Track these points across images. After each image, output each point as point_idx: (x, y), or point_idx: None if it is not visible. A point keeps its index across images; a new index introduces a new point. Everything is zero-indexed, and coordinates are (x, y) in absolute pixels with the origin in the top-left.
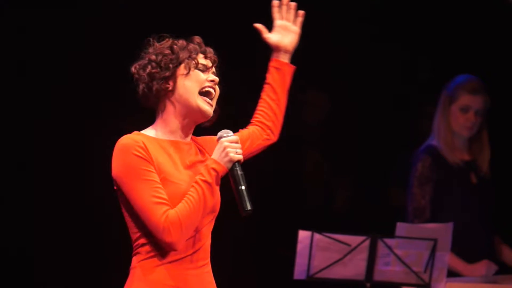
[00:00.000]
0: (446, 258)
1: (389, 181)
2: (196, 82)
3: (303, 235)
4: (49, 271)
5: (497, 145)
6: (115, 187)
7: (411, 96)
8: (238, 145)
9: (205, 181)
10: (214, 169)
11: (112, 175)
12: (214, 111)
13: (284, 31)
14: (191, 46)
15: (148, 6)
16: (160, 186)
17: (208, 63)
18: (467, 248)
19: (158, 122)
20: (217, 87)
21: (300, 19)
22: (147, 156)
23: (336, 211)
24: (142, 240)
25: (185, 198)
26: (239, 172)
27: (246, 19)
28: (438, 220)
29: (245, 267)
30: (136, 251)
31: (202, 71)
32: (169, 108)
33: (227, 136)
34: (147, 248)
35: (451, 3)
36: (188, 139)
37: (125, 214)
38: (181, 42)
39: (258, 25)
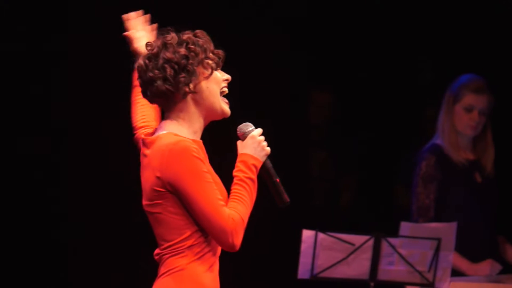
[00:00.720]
0: (450, 258)
1: (393, 181)
2: (216, 84)
3: (307, 234)
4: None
5: (502, 145)
6: (156, 189)
7: (415, 95)
8: (263, 136)
9: (249, 178)
10: (254, 165)
11: (166, 177)
12: None
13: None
14: (201, 42)
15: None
16: (216, 188)
17: (217, 59)
18: (471, 247)
19: (181, 122)
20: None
21: (154, 33)
22: (203, 157)
23: (341, 211)
24: (190, 242)
25: (237, 198)
26: (270, 165)
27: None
28: (442, 219)
29: (248, 267)
30: (179, 252)
31: (217, 66)
32: (191, 109)
33: (253, 129)
34: (195, 249)
35: (452, 4)
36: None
37: (170, 218)
38: (192, 38)
39: (127, 34)
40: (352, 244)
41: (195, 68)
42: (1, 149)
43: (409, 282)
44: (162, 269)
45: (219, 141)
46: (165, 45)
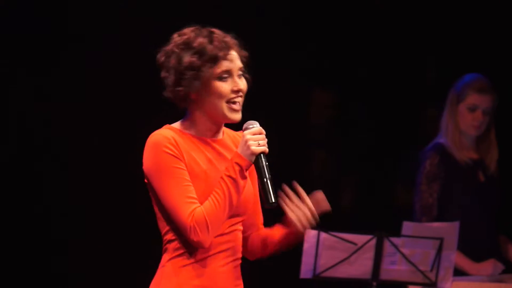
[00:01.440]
0: (453, 257)
1: (395, 180)
2: (221, 98)
3: (309, 234)
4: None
5: (505, 144)
6: (145, 180)
7: (417, 95)
8: (261, 136)
9: (229, 176)
10: (237, 163)
11: (143, 169)
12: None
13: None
14: (214, 51)
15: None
16: (189, 184)
17: (234, 66)
18: (474, 247)
19: (188, 119)
20: (244, 82)
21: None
22: (177, 153)
23: (343, 210)
24: (170, 236)
25: (211, 195)
26: (263, 164)
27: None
28: (445, 218)
29: (250, 266)
30: (165, 247)
31: (227, 78)
32: (196, 112)
33: (251, 128)
34: (175, 244)
35: (455, 2)
36: (219, 135)
37: (155, 208)
38: (204, 45)
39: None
40: (355, 244)
41: (196, 80)
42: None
43: (412, 282)
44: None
45: None
46: (178, 45)
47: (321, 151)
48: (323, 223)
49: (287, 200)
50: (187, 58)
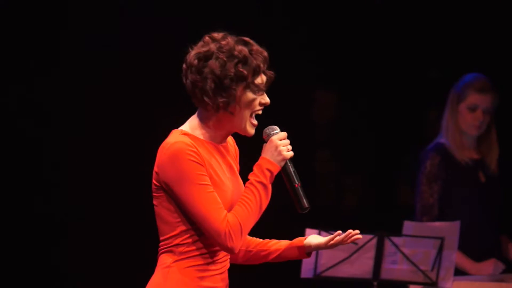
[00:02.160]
0: (453, 257)
1: (397, 180)
2: (250, 109)
3: (310, 233)
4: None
5: (506, 144)
6: (155, 183)
7: (419, 95)
8: (287, 141)
9: (260, 182)
10: (268, 170)
11: (162, 176)
12: None
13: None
14: (254, 63)
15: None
16: (213, 190)
17: (265, 80)
18: (475, 246)
19: (201, 123)
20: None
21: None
22: (200, 160)
23: (344, 210)
24: (179, 240)
25: (241, 200)
26: (292, 169)
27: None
28: (446, 218)
29: (252, 266)
30: (167, 249)
31: (259, 90)
32: (217, 120)
33: (275, 133)
34: (183, 249)
35: (457, 3)
36: (226, 140)
37: (164, 212)
38: (246, 56)
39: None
40: (355, 243)
41: (236, 91)
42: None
43: (412, 281)
44: (157, 263)
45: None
46: (217, 51)
47: (323, 151)
48: (324, 222)
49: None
50: (232, 67)
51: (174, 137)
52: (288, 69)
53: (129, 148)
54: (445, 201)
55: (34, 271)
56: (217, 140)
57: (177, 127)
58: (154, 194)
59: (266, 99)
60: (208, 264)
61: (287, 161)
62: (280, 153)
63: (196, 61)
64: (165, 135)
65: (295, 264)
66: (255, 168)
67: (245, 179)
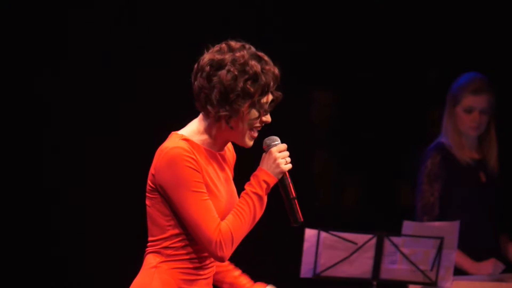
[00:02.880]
0: (453, 257)
1: (396, 180)
2: (249, 125)
3: (310, 233)
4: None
5: (506, 144)
6: (150, 184)
7: (419, 94)
8: (287, 153)
9: (255, 193)
10: (265, 181)
11: (158, 179)
12: None
13: None
14: (263, 81)
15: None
16: (208, 198)
17: (270, 99)
18: (475, 246)
19: (202, 130)
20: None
21: None
22: (198, 166)
23: (343, 210)
24: (168, 243)
25: (235, 210)
26: (289, 182)
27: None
28: (446, 218)
29: (252, 266)
30: (155, 250)
31: (263, 108)
32: (215, 127)
33: (275, 145)
34: (170, 251)
35: (457, 2)
36: (224, 148)
37: (156, 214)
38: (257, 72)
39: None
40: (355, 243)
41: (241, 107)
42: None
43: (412, 281)
44: (143, 263)
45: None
46: (231, 63)
47: (322, 151)
48: (324, 222)
49: None
50: (241, 82)
51: (173, 142)
52: (285, 69)
53: (129, 150)
54: (445, 200)
55: (31, 272)
56: (216, 148)
57: (177, 129)
58: (148, 194)
59: (268, 118)
60: (194, 269)
61: (285, 173)
62: (278, 165)
63: (208, 68)
64: (165, 135)
65: (295, 264)
66: (252, 178)
67: (242, 185)
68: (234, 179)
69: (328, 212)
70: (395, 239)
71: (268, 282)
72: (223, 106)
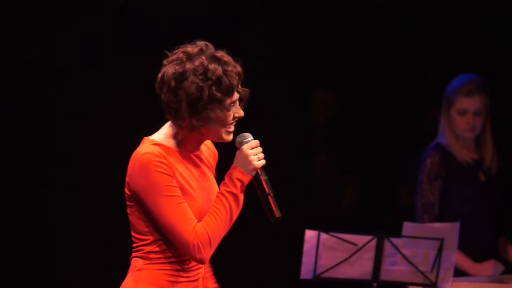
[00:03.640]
0: (453, 258)
1: (396, 181)
2: (223, 125)
3: (310, 234)
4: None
5: (506, 144)
6: (127, 192)
7: (418, 95)
8: (259, 149)
9: (230, 192)
10: (238, 179)
11: (131, 186)
12: None
13: None
14: (227, 83)
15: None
16: (183, 200)
17: (237, 97)
18: (475, 247)
19: (175, 135)
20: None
21: None
22: (169, 170)
23: (343, 211)
24: (150, 248)
25: (211, 211)
26: (264, 178)
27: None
28: (445, 217)
29: (252, 267)
30: (139, 255)
31: (233, 106)
32: (191, 134)
33: (247, 142)
34: (153, 255)
35: (456, 2)
36: (200, 148)
37: (135, 221)
38: (220, 76)
39: None
40: (355, 244)
41: (210, 113)
42: None
43: (412, 282)
44: (130, 267)
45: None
46: (192, 74)
47: (322, 151)
48: (324, 223)
49: None
50: (206, 90)
51: (144, 147)
52: (286, 69)
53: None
54: (444, 200)
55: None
56: (190, 149)
57: (152, 133)
58: (127, 202)
59: (240, 113)
60: (178, 271)
61: (259, 169)
62: (250, 162)
63: (172, 82)
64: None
65: (295, 265)
66: (225, 177)
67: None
68: (217, 177)
69: (328, 213)
70: (395, 240)
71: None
72: (193, 116)
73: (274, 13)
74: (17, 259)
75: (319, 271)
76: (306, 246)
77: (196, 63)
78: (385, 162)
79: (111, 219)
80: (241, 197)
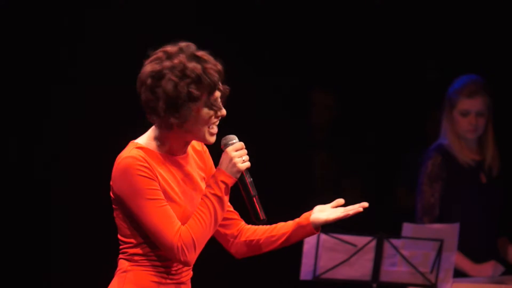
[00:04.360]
0: (453, 259)
1: (396, 182)
2: (205, 124)
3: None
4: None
5: (506, 144)
6: (112, 196)
7: (418, 96)
8: (244, 151)
9: (214, 195)
10: (223, 181)
11: (115, 191)
12: None
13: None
14: (207, 81)
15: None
16: (166, 203)
17: (219, 95)
18: (475, 248)
19: (159, 137)
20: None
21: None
22: (151, 174)
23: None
24: (135, 251)
25: (195, 214)
26: (249, 180)
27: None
28: (446, 219)
29: (251, 268)
30: (125, 256)
31: (215, 105)
32: (171, 132)
33: (232, 144)
34: (138, 258)
35: (456, 2)
36: (185, 151)
37: (120, 224)
38: (199, 75)
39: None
40: (355, 245)
41: (190, 111)
42: None
43: (412, 283)
44: (116, 268)
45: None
46: (170, 71)
47: (322, 152)
48: (324, 224)
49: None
50: (184, 87)
51: (127, 151)
52: (286, 70)
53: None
54: (445, 202)
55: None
56: (174, 152)
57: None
58: (113, 206)
59: (222, 112)
60: (163, 273)
61: (244, 171)
62: (234, 165)
63: (149, 80)
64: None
65: (295, 266)
66: (210, 180)
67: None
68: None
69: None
70: (395, 241)
71: (269, 284)
72: (172, 115)
73: (274, 13)
74: (17, 259)
75: (318, 272)
76: (306, 247)
77: (175, 61)
78: (385, 163)
79: (110, 219)
80: (226, 199)
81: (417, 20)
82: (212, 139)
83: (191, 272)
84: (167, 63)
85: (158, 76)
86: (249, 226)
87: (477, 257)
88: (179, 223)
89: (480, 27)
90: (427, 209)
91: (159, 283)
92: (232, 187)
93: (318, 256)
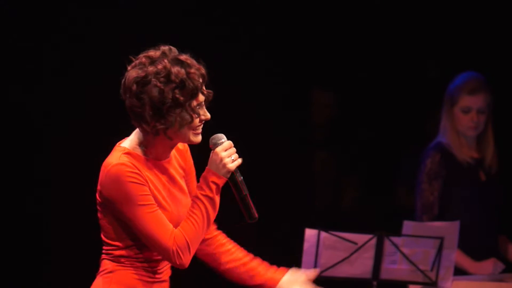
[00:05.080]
0: (453, 257)
1: (396, 180)
2: (190, 128)
3: (310, 233)
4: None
5: (506, 144)
6: (98, 199)
7: (418, 95)
8: (233, 150)
9: (205, 196)
10: (213, 182)
11: (104, 195)
12: None
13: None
14: (191, 86)
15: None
16: (157, 208)
17: (202, 99)
18: (475, 245)
19: (144, 142)
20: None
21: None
22: (141, 180)
23: (343, 210)
24: (120, 252)
25: (188, 216)
26: (239, 179)
27: None
28: (446, 217)
29: None
30: (109, 257)
31: (198, 109)
32: (157, 137)
33: (221, 143)
34: (123, 259)
35: (457, 3)
36: (170, 154)
37: (106, 227)
38: (183, 79)
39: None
40: (355, 243)
41: (175, 116)
42: None
43: (412, 281)
44: (99, 269)
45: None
46: (155, 77)
47: (322, 151)
48: (324, 222)
49: None
50: (169, 93)
51: (115, 157)
52: (286, 69)
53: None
54: (445, 199)
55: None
56: (158, 156)
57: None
58: (98, 207)
59: (206, 115)
60: (148, 272)
61: (234, 170)
62: (224, 165)
63: (134, 86)
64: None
65: (295, 264)
66: (200, 180)
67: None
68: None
69: (328, 212)
70: (395, 239)
71: None
72: (158, 120)
73: (274, 13)
74: (16, 259)
75: (319, 270)
76: (306, 245)
77: (159, 66)
78: (385, 161)
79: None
80: (217, 199)
81: (417, 18)
82: (198, 139)
83: (170, 271)
84: (151, 69)
85: (143, 82)
86: (225, 241)
87: (477, 255)
88: (172, 226)
89: (480, 27)
90: (427, 208)
91: (145, 282)
92: (222, 187)
93: (318, 254)
